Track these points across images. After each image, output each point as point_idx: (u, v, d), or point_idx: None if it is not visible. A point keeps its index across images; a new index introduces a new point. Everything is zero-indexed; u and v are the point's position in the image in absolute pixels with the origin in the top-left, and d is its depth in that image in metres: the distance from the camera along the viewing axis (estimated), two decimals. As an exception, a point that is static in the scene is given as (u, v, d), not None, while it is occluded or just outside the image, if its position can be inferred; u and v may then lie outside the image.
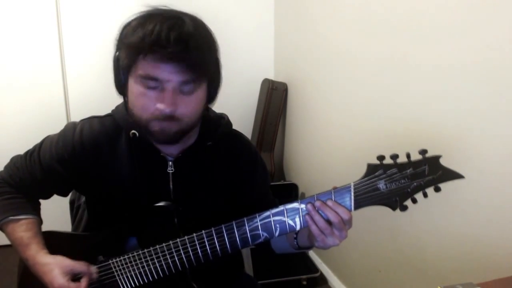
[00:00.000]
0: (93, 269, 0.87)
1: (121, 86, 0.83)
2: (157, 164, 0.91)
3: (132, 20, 0.79)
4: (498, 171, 1.07)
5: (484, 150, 1.10)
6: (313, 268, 2.08)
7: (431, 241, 1.34)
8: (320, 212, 0.76)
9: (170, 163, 0.91)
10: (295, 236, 0.89)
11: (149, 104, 0.78)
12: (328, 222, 0.76)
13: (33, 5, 2.14)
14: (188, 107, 0.80)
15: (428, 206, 1.27)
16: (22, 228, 0.89)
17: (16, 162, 0.96)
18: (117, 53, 0.81)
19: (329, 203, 0.76)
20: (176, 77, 0.76)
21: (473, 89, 1.12)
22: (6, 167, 0.97)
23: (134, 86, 0.79)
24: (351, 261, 1.88)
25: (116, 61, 0.82)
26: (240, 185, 0.97)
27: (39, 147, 0.95)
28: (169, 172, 0.91)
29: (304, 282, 2.02)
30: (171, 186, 0.92)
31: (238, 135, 1.00)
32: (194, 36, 0.75)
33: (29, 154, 0.95)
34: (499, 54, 1.03)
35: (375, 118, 1.58)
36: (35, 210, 0.95)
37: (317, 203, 0.76)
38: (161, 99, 0.77)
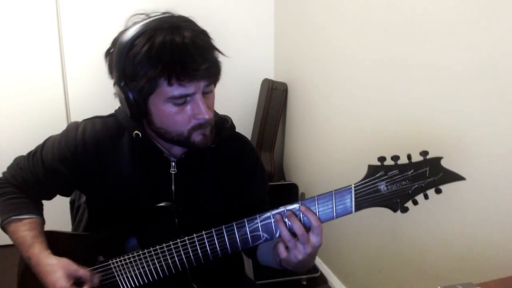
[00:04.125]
0: (96, 278, 0.87)
1: (138, 113, 0.81)
2: (160, 165, 0.91)
3: (136, 48, 0.75)
4: (498, 171, 1.07)
5: (484, 151, 1.10)
6: (313, 268, 2.08)
7: (431, 241, 1.34)
8: (287, 223, 0.77)
9: (173, 163, 0.91)
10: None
11: (184, 119, 0.80)
12: (294, 234, 0.77)
13: (33, 6, 2.14)
14: (211, 105, 0.84)
15: (428, 206, 1.27)
16: (25, 228, 0.89)
17: (19, 163, 0.96)
18: (124, 84, 0.78)
19: (302, 208, 0.76)
20: (201, 84, 0.78)
21: (474, 90, 1.12)
22: (9, 167, 0.97)
23: (159, 109, 0.79)
24: (351, 261, 1.88)
25: (128, 91, 0.78)
26: (239, 187, 0.97)
27: (41, 148, 0.95)
28: (171, 173, 0.91)
29: (304, 282, 2.02)
30: (173, 187, 0.92)
31: (241, 138, 1.01)
32: (200, 43, 0.77)
33: (32, 154, 0.95)
34: (499, 54, 1.03)
35: (375, 118, 1.58)
36: (38, 210, 0.95)
37: (288, 213, 0.77)
38: (197, 110, 0.79)
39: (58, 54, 2.24)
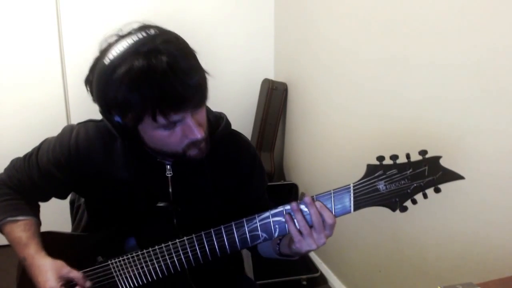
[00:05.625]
0: (88, 283, 0.86)
1: (131, 138, 0.80)
2: (155, 169, 0.91)
3: (113, 81, 0.71)
4: (498, 171, 1.07)
5: (484, 150, 1.10)
6: (313, 268, 2.08)
7: (431, 241, 1.34)
8: (303, 211, 0.76)
9: (168, 167, 0.91)
10: (278, 242, 0.89)
11: (178, 140, 0.78)
12: (309, 223, 0.76)
13: (33, 5, 2.14)
14: (202, 119, 0.80)
15: (428, 206, 1.27)
16: (20, 228, 0.89)
17: (15, 165, 0.96)
18: (108, 114, 0.76)
19: (317, 204, 0.76)
20: (189, 110, 0.75)
21: (473, 89, 1.11)
22: (6, 169, 0.97)
23: (152, 134, 0.77)
24: (351, 261, 1.88)
25: (112, 121, 0.77)
26: (238, 186, 0.97)
27: (37, 150, 0.95)
28: (167, 176, 0.91)
29: (304, 282, 2.01)
30: (170, 189, 0.91)
31: (237, 135, 1.00)
32: (180, 69, 0.71)
33: (28, 157, 0.95)
34: (498, 54, 1.03)
35: (375, 118, 1.58)
36: (34, 211, 0.95)
37: (307, 199, 0.76)
38: (189, 131, 0.76)
39: (58, 54, 2.24)
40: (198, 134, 0.77)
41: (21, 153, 0.98)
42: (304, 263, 2.11)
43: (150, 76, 0.69)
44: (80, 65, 2.61)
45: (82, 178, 0.91)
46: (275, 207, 0.79)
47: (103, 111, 0.78)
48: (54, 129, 0.98)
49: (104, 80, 0.73)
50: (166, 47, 0.71)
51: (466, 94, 1.14)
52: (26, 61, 2.20)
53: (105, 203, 0.93)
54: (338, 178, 1.84)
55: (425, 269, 1.38)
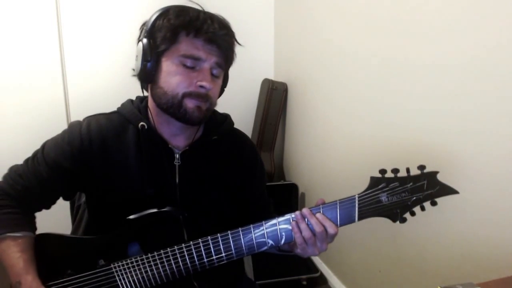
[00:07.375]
0: None
1: (149, 71, 0.86)
2: (165, 157, 0.92)
3: (169, 9, 0.86)
4: (497, 171, 1.07)
5: (483, 151, 1.10)
6: (313, 268, 2.10)
7: (431, 241, 1.35)
8: (307, 221, 0.80)
9: (177, 155, 0.93)
10: None
11: (186, 80, 0.84)
12: (313, 232, 0.80)
13: (33, 5, 2.13)
14: (215, 89, 0.89)
15: (428, 206, 1.28)
16: (19, 248, 0.86)
17: (17, 170, 0.92)
18: (147, 39, 0.86)
19: (318, 215, 0.80)
20: (214, 57, 0.85)
21: (472, 90, 1.12)
22: (5, 176, 0.93)
23: (169, 66, 0.85)
24: (351, 261, 1.89)
25: (147, 46, 0.85)
26: (240, 181, 1.00)
27: (41, 150, 0.93)
28: (175, 165, 0.93)
29: (304, 282, 2.03)
30: (177, 178, 0.93)
31: (240, 133, 1.05)
32: (230, 26, 0.89)
33: (31, 158, 0.93)
34: (498, 55, 1.03)
35: (375, 118, 1.59)
36: (31, 224, 0.93)
37: (305, 212, 0.80)
38: (201, 77, 0.84)
39: (58, 54, 2.23)
40: (208, 83, 0.84)
41: (21, 155, 0.96)
42: (304, 263, 2.12)
43: (199, 12, 0.86)
44: (80, 65, 2.60)
45: (93, 167, 0.90)
46: (282, 214, 0.81)
47: (143, 35, 0.87)
48: (54, 131, 0.98)
49: (159, 12, 0.87)
50: (220, 17, 0.90)
51: (465, 95, 1.14)
52: (27, 62, 2.19)
53: (113, 196, 0.92)
54: (338, 178, 1.85)
55: (424, 269, 1.39)
